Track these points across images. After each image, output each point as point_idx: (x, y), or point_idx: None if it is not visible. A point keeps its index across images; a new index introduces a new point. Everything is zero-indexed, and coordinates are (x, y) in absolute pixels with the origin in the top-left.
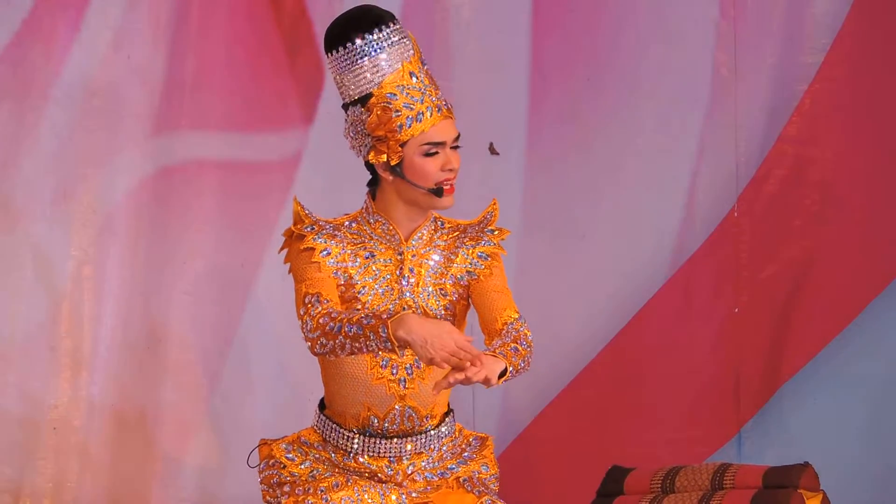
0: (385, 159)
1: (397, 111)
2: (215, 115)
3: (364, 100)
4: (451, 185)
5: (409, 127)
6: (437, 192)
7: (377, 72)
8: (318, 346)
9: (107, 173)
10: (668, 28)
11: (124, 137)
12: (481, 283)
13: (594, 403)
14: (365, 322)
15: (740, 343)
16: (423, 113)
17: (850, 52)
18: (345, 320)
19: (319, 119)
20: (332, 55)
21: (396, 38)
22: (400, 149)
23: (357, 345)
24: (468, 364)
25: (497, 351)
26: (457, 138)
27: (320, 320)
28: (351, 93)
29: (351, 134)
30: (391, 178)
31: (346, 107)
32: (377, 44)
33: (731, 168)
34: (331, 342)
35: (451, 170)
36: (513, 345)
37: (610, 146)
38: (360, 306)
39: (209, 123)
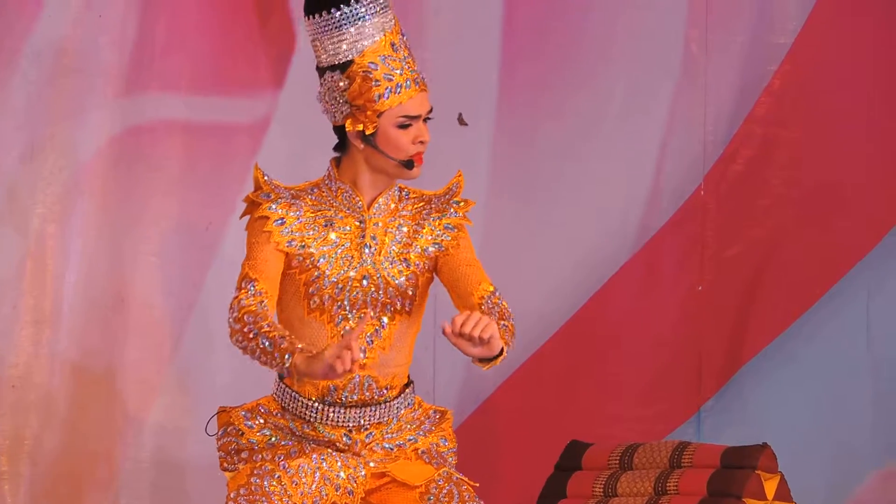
0: (361, 128)
1: (377, 81)
2: (185, 77)
3: (344, 66)
4: (421, 157)
5: (388, 98)
6: (408, 164)
7: (359, 40)
8: (234, 339)
9: (75, 132)
10: (639, 4)
11: (93, 97)
12: (450, 256)
13: (556, 377)
14: (278, 342)
15: (703, 322)
16: (401, 85)
17: (821, 34)
18: (262, 331)
19: (289, 84)
20: (312, 18)
21: (379, 8)
22: (377, 119)
23: (265, 358)
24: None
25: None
26: (429, 111)
27: (245, 317)
28: (329, 58)
29: (326, 99)
30: (362, 146)
31: (320, 71)
32: (361, 12)
33: (698, 146)
34: (245, 342)
35: (422, 142)
36: (501, 322)
37: (579, 120)
38: (318, 274)
39: (178, 85)
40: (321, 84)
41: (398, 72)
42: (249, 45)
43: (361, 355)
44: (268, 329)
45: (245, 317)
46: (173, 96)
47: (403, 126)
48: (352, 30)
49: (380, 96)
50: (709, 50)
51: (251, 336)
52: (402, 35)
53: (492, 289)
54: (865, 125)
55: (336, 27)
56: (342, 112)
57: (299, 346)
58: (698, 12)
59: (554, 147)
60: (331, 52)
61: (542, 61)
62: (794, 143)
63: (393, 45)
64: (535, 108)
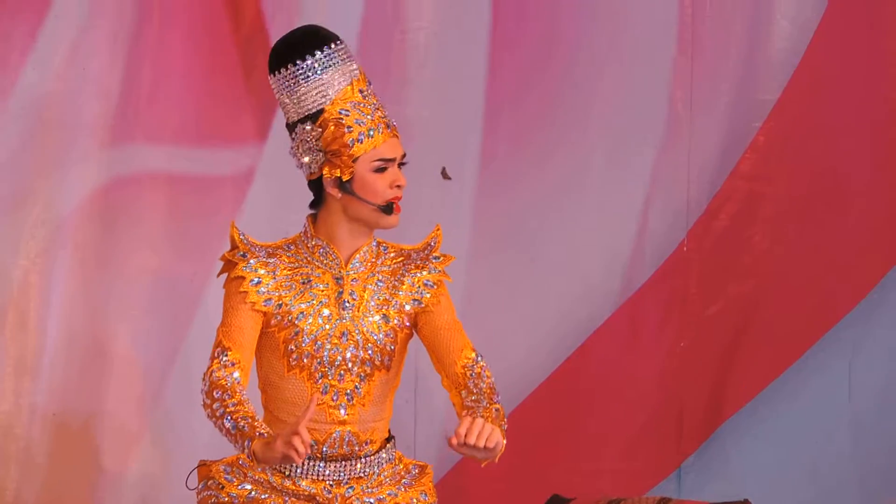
0: (338, 174)
1: (349, 127)
2: (169, 129)
3: (314, 116)
4: (399, 202)
5: (362, 142)
6: (387, 209)
7: (328, 88)
8: (205, 412)
9: (59, 184)
10: (624, 61)
11: (77, 149)
12: (430, 315)
13: (538, 431)
14: (241, 425)
15: (685, 377)
16: (374, 129)
17: (806, 90)
18: (227, 410)
19: (273, 135)
20: (278, 74)
21: (344, 57)
22: (352, 164)
23: (229, 438)
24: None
25: (486, 418)
26: (403, 156)
27: (214, 392)
28: (299, 110)
29: (300, 151)
30: (340, 195)
31: (291, 127)
32: (326, 61)
33: (682, 202)
34: (213, 419)
35: (399, 186)
36: (494, 407)
37: (563, 173)
38: (297, 332)
39: (163, 137)
40: (293, 139)
41: (369, 117)
42: (233, 97)
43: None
44: (233, 409)
45: (214, 392)
46: (157, 148)
47: (380, 170)
48: (321, 78)
49: (354, 141)
50: (693, 105)
51: (218, 414)
52: (369, 83)
53: (473, 355)
54: (849, 181)
55: (304, 78)
56: (317, 161)
57: (259, 431)
58: (683, 68)
59: (537, 202)
60: (300, 104)
61: (527, 117)
62: (779, 199)
63: (361, 91)
64: (518, 162)
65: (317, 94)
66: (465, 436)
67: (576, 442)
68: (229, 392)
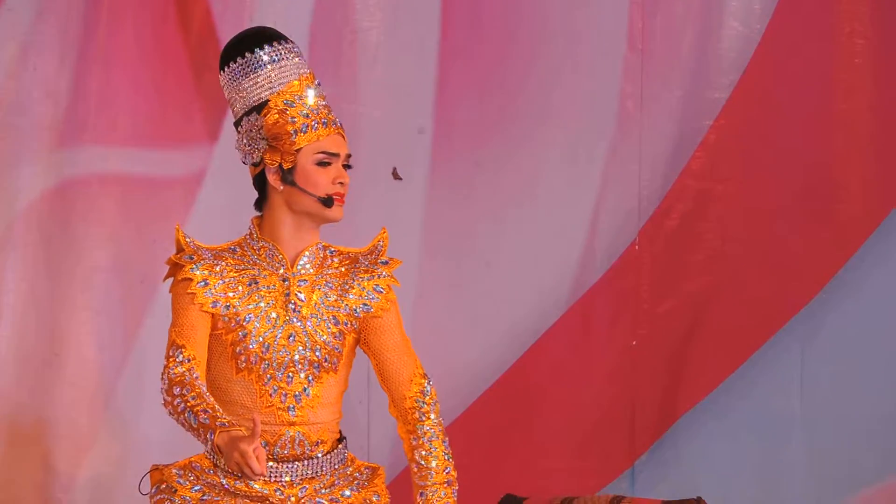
0: (279, 161)
1: (293, 118)
2: (120, 130)
3: (260, 107)
4: (343, 198)
5: (305, 133)
6: (328, 201)
7: (276, 80)
8: (167, 410)
9: (8, 185)
10: (577, 60)
11: (27, 150)
12: (378, 329)
13: (490, 431)
14: (202, 418)
15: (637, 376)
16: (318, 122)
17: (756, 89)
18: (189, 405)
19: (224, 137)
20: (228, 67)
21: (293, 54)
22: (294, 154)
23: (192, 433)
24: None
25: (438, 486)
26: (348, 157)
27: (173, 388)
28: (246, 103)
29: (244, 141)
30: (282, 187)
31: (238, 123)
32: (274, 55)
33: (633, 201)
34: (175, 416)
35: (342, 183)
36: (446, 468)
37: (515, 175)
38: (244, 334)
39: (113, 138)
40: (238, 133)
41: (314, 111)
42: (184, 99)
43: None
44: (193, 402)
45: (174, 388)
46: (108, 149)
47: (322, 164)
48: (267, 70)
49: (297, 131)
50: (644, 106)
51: (179, 410)
52: (318, 83)
53: (423, 382)
54: (800, 179)
55: (252, 69)
56: (259, 150)
57: (220, 421)
58: (634, 70)
59: (489, 204)
60: (247, 96)
61: (478, 119)
62: (729, 197)
63: (308, 87)
64: (470, 165)
65: (263, 84)
66: None
67: (528, 441)
68: (188, 387)
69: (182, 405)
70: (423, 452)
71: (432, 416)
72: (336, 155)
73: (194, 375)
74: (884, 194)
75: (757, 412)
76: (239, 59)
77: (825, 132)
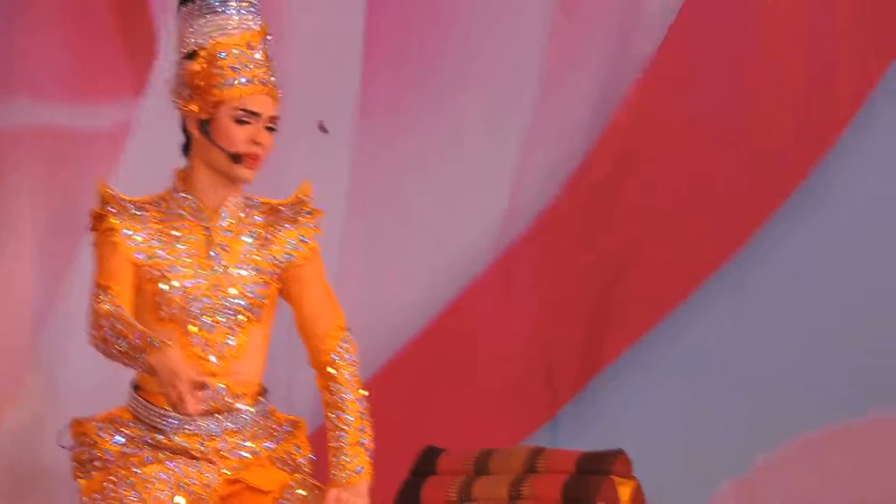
0: (196, 110)
1: (221, 69)
2: (44, 83)
3: (196, 54)
4: (255, 159)
5: (229, 87)
6: (236, 158)
7: (218, 30)
8: (94, 344)
9: None
10: (502, 16)
11: None
12: (300, 276)
13: (412, 384)
14: (132, 340)
15: (559, 329)
16: (247, 80)
17: (682, 46)
18: (117, 330)
19: (151, 91)
20: (186, 6)
21: (250, 11)
22: (213, 107)
23: (123, 359)
24: None
25: (351, 447)
26: (274, 119)
27: (101, 321)
28: (187, 46)
29: (174, 86)
30: (198, 136)
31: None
32: (226, 6)
33: (557, 156)
34: (104, 346)
35: (257, 144)
36: (360, 426)
37: (439, 129)
38: (167, 284)
39: (38, 90)
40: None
41: (247, 68)
42: (111, 53)
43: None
44: (122, 328)
45: (101, 320)
46: (33, 102)
47: (241, 121)
48: (216, 17)
49: (221, 84)
50: (568, 60)
51: (108, 338)
52: (265, 42)
53: (343, 334)
54: (723, 137)
55: (201, 14)
56: (183, 96)
57: (152, 341)
58: (558, 23)
59: (413, 157)
60: (189, 40)
61: (404, 73)
62: (652, 154)
63: (249, 44)
64: (394, 122)
65: (203, 31)
66: None
67: (450, 393)
68: (116, 317)
69: (110, 333)
70: (338, 412)
71: (346, 372)
72: (256, 114)
73: (121, 308)
74: (809, 150)
75: (680, 364)
76: (193, 2)
77: (748, 90)
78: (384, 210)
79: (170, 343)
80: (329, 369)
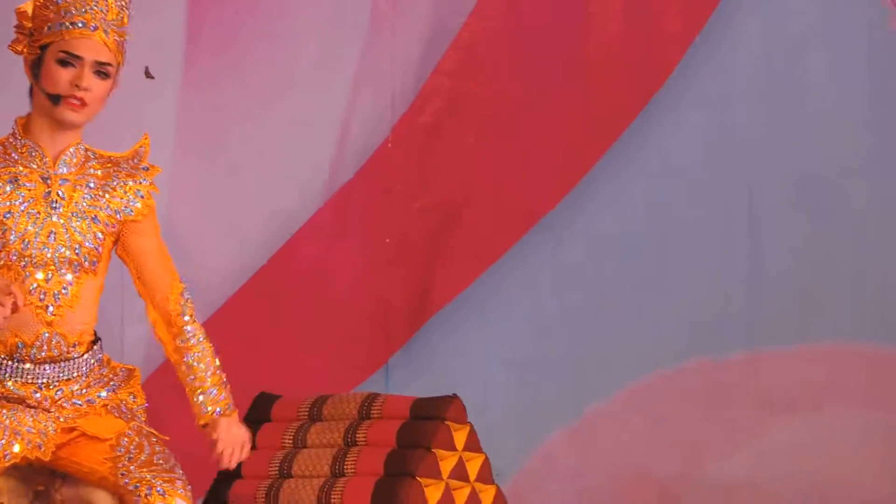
0: (21, 51)
1: (56, 12)
2: None
3: None
4: (79, 103)
5: (56, 30)
6: (54, 98)
7: None
8: None
9: None
10: None
11: None
12: (137, 233)
13: (244, 330)
14: None
15: (391, 274)
16: (77, 24)
17: None
18: None
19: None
20: None
21: None
22: (38, 48)
23: None
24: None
25: (218, 392)
26: (103, 65)
27: None
28: None
29: (13, 27)
30: (31, 80)
31: None
32: None
33: (386, 98)
34: None
35: (79, 87)
36: (217, 366)
37: (266, 75)
38: (4, 230)
39: None
40: None
41: (82, 11)
42: None
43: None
44: None
45: None
46: None
47: (63, 63)
48: None
49: (49, 27)
50: (397, 4)
51: None
52: None
53: (182, 287)
54: (554, 77)
55: None
56: (19, 40)
57: None
58: None
59: (240, 104)
60: None
61: (230, 18)
62: (482, 96)
63: None
64: (221, 65)
65: None
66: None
67: (283, 339)
68: None
69: None
70: (196, 354)
71: (194, 320)
72: (79, 58)
73: None
74: (633, 97)
75: (512, 309)
76: None
77: (576, 32)
78: (213, 157)
79: None
80: (179, 318)
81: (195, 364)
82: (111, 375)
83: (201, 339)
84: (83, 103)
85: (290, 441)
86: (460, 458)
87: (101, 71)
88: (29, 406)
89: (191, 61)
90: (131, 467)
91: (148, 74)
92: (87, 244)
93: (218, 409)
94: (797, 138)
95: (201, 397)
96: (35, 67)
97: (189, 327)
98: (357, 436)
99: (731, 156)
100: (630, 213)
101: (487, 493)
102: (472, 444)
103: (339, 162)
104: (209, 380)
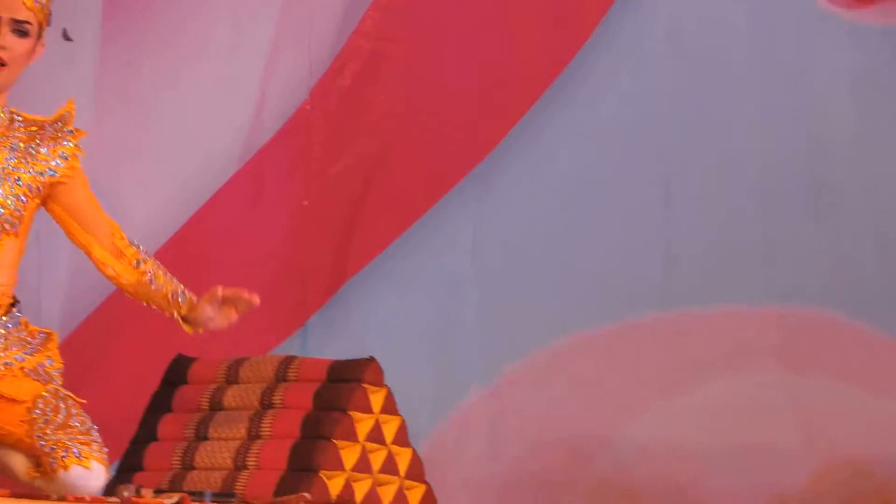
0: None
1: None
2: None
3: None
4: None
5: None
6: None
7: None
8: None
9: None
10: None
11: None
12: (67, 190)
13: None
14: None
15: (308, 236)
16: None
17: None
18: None
19: None
20: None
21: None
22: None
23: None
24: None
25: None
26: (21, 23)
27: None
28: None
29: None
30: None
31: None
32: None
33: (304, 60)
34: None
35: None
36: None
37: (184, 36)
38: None
39: None
40: None
41: None
42: None
43: None
44: None
45: None
46: None
47: None
48: None
49: None
50: None
51: None
52: None
53: (118, 225)
54: (476, 39)
55: None
56: None
57: None
58: None
59: (158, 65)
60: None
61: None
62: (401, 59)
63: None
64: (139, 27)
65: None
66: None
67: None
68: None
69: None
70: (153, 266)
71: (148, 255)
72: None
73: None
74: (556, 55)
75: (429, 271)
76: None
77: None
78: (131, 119)
79: None
80: (127, 248)
81: (158, 272)
82: (29, 339)
83: (151, 256)
84: (1, 63)
85: (207, 403)
86: (377, 420)
87: (19, 29)
88: None
89: (109, 20)
90: (47, 430)
91: (66, 37)
92: (9, 206)
93: (192, 296)
94: (715, 104)
95: (176, 296)
96: None
97: (139, 249)
98: (274, 398)
99: (648, 120)
100: (548, 175)
101: (403, 456)
102: (389, 407)
103: (258, 125)
104: (173, 281)
